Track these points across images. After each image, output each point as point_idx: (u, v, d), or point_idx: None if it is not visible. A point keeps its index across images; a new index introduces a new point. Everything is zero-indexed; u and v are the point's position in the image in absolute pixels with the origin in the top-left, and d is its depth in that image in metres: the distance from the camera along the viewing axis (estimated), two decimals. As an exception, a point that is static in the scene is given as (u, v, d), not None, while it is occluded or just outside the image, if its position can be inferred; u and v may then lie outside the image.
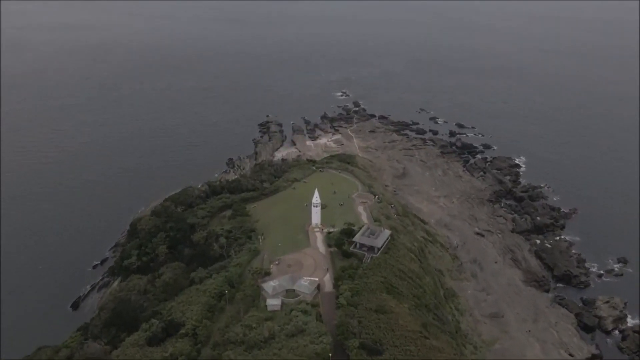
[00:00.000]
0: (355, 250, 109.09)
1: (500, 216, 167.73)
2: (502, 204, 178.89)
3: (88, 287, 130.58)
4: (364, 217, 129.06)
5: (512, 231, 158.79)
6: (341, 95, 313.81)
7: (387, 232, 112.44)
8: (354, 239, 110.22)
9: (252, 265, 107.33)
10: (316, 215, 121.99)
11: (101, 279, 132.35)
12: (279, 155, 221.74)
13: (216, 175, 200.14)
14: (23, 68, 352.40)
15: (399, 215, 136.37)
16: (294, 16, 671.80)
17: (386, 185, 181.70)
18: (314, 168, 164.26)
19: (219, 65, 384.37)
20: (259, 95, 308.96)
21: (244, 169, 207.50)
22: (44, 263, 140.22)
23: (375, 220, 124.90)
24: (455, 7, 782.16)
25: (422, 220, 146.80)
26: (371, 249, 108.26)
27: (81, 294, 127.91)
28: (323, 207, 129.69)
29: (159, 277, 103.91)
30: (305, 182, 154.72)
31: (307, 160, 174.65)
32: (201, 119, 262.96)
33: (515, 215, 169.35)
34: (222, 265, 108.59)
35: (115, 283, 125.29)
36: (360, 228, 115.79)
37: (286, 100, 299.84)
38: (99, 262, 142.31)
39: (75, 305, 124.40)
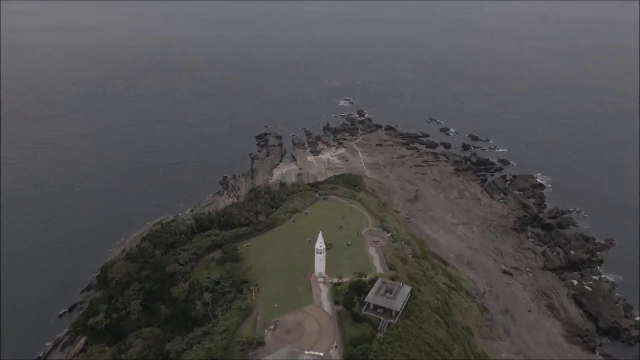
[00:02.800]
0: (368, 313, 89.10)
1: (529, 249, 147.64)
2: (529, 233, 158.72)
3: (50, 345, 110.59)
4: (377, 262, 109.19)
5: (544, 268, 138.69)
6: (344, 103, 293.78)
7: (407, 290, 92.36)
8: (366, 299, 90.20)
9: (242, 332, 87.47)
10: (320, 264, 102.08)
11: (67, 333, 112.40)
12: (277, 172, 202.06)
13: (209, 197, 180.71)
14: (10, 72, 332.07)
15: (417, 257, 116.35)
16: (295, 17, 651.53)
17: (397, 211, 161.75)
18: (316, 195, 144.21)
19: (216, 69, 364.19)
20: (257, 103, 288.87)
21: (238, 189, 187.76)
22: (2, 309, 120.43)
23: (390, 268, 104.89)
24: (459, 7, 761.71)
25: (442, 261, 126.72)
26: (388, 311, 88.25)
27: (40, 354, 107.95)
28: (328, 247, 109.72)
29: (127, 350, 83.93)
30: (306, 213, 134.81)
31: (309, 185, 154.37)
32: (194, 130, 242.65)
33: (545, 247, 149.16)
34: (205, 331, 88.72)
35: (82, 341, 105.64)
36: (373, 281, 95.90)
37: (286, 108, 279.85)
38: (66, 310, 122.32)
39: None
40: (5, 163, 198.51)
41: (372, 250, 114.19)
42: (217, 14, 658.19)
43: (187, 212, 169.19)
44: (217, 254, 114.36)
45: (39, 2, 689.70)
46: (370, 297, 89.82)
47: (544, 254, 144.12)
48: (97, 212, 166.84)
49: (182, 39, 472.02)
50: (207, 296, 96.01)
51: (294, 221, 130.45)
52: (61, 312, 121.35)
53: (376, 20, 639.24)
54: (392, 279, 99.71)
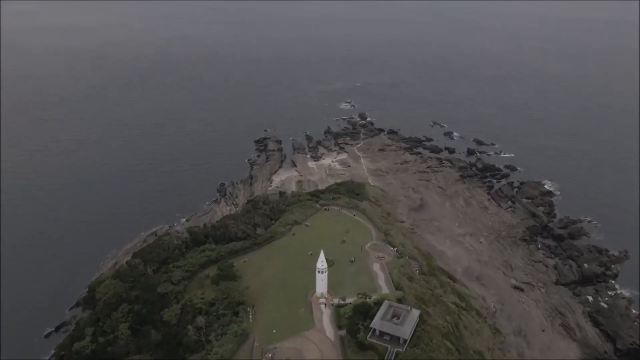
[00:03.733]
0: (374, 340, 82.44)
1: (539, 262, 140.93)
2: (539, 245, 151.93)
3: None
4: (382, 281, 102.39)
5: (556, 283, 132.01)
6: (346, 106, 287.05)
7: (415, 314, 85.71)
8: (372, 324, 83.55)
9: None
10: (321, 283, 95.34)
11: (52, 356, 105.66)
12: (277, 179, 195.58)
13: (206, 205, 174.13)
14: (6, 73, 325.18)
15: (424, 275, 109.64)
16: (295, 17, 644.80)
17: (402, 221, 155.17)
18: (317, 206, 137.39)
19: (215, 71, 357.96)
20: (257, 106, 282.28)
21: (236, 197, 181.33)
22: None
23: (396, 288, 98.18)
24: (459, 7, 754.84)
25: (450, 277, 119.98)
26: (395, 338, 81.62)
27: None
28: (330, 264, 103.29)
29: (113, 381, 77.39)
30: (307, 225, 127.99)
31: (310, 195, 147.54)
32: (191, 135, 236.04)
33: (557, 260, 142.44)
34: (198, 358, 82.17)
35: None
36: (379, 303, 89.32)
37: (286, 111, 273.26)
38: (53, 329, 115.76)
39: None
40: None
41: (376, 267, 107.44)
42: (216, 14, 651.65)
43: (183, 221, 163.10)
44: (213, 270, 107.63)
45: (39, 2, 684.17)
46: (377, 323, 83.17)
47: (555, 267, 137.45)
48: (89, 222, 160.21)
49: (181, 40, 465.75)
50: (201, 320, 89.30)
51: (293, 234, 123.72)
52: (47, 332, 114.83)
53: (376, 20, 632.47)
54: (399, 301, 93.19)
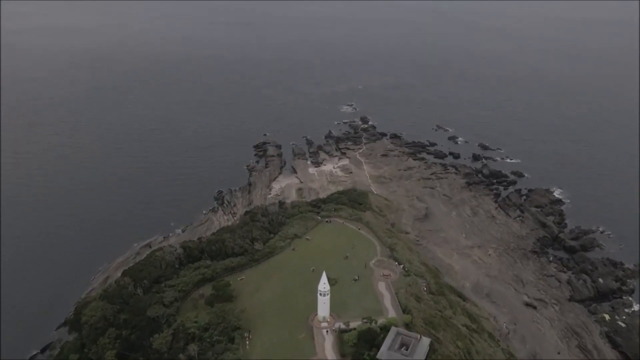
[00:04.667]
0: (381, 372, 75.98)
1: (552, 276, 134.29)
2: (550, 257, 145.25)
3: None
4: (388, 302, 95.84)
5: (570, 299, 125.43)
6: (347, 109, 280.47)
7: (426, 343, 79.17)
8: (379, 355, 77.02)
9: (233, 396, 74.39)
10: (323, 307, 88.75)
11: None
12: (276, 186, 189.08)
13: (203, 214, 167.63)
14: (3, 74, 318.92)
15: (432, 294, 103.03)
16: (295, 17, 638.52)
17: (406, 232, 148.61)
18: (318, 218, 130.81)
19: (214, 73, 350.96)
20: (256, 109, 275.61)
21: (234, 205, 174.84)
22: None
23: (404, 310, 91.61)
24: (463, 8, 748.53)
25: (460, 295, 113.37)
26: (404, 370, 75.10)
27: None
28: (332, 283, 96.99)
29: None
30: (308, 239, 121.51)
31: (310, 205, 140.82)
32: (189, 140, 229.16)
33: (570, 274, 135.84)
34: (189, 393, 75.73)
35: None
36: (386, 329, 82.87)
37: (286, 115, 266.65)
38: (38, 351, 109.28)
39: None
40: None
41: (382, 287, 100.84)
42: (216, 14, 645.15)
43: (178, 232, 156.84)
44: (208, 289, 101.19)
45: (38, 3, 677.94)
46: (384, 354, 76.61)
47: (569, 282, 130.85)
48: (80, 233, 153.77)
49: (180, 41, 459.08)
50: (193, 348, 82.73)
51: (293, 249, 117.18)
52: (32, 354, 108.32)
53: (377, 20, 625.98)
54: (407, 326, 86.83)
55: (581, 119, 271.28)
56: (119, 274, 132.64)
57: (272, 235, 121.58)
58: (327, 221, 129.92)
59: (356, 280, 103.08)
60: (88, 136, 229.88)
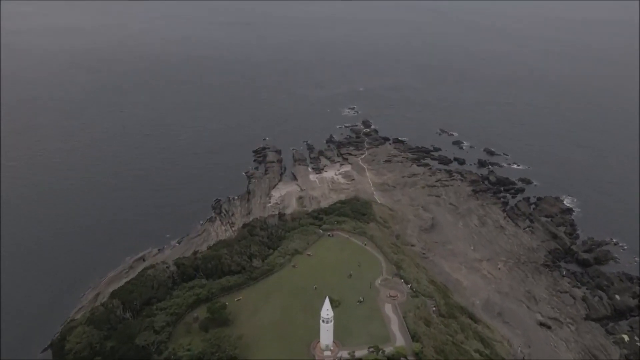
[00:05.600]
0: (390, 411, 69.42)
1: (566, 292, 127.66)
2: (563, 271, 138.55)
3: None
4: (396, 327, 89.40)
5: (586, 318, 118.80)
6: (349, 112, 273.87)
7: (439, 378, 72.57)
8: (387, 393, 70.49)
9: None
10: (327, 334, 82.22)
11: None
12: (276, 194, 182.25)
13: (200, 224, 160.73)
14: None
15: (443, 316, 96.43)
16: (295, 17, 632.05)
17: (412, 245, 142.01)
18: (320, 232, 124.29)
19: (213, 74, 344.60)
20: (256, 112, 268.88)
21: (232, 215, 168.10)
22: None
23: (413, 337, 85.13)
24: (464, 8, 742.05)
25: (471, 316, 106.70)
26: (416, 410, 68.53)
27: None
28: (336, 305, 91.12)
29: None
30: (309, 255, 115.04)
31: (312, 217, 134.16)
32: (186, 145, 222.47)
33: (585, 290, 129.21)
34: None
35: None
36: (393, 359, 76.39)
37: (286, 118, 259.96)
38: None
39: None
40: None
41: (389, 309, 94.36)
42: (216, 15, 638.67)
43: (174, 244, 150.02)
44: (202, 311, 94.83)
45: (38, 3, 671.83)
46: (393, 391, 70.13)
47: (584, 299, 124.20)
48: (70, 244, 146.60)
49: (180, 42, 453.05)
50: (185, 381, 76.26)
51: (294, 266, 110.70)
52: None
53: (378, 20, 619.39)
54: (417, 355, 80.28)
55: (587, 123, 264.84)
56: (110, 289, 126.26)
57: (271, 250, 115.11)
58: (329, 235, 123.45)
59: (361, 301, 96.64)
60: (83, 141, 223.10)
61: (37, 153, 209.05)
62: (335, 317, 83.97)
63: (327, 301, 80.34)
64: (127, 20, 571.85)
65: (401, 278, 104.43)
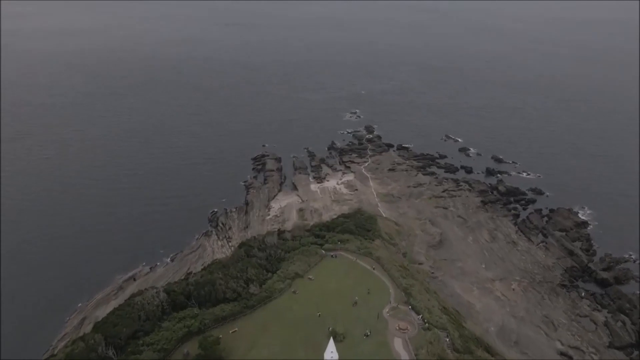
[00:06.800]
0: None
1: (586, 316, 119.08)
2: (582, 292, 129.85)
3: None
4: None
5: (609, 346, 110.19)
6: (351, 117, 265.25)
7: None
8: None
9: None
10: (331, 378, 73.81)
11: None
12: (275, 206, 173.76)
13: (195, 239, 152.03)
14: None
15: (458, 351, 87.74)
16: (295, 17, 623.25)
17: (420, 263, 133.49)
18: (322, 252, 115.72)
19: (212, 77, 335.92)
20: (255, 117, 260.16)
21: (230, 228, 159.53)
22: None
23: (426, 380, 76.57)
24: (466, 8, 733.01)
25: (487, 349, 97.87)
26: None
27: None
28: (340, 339, 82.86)
29: None
30: (310, 279, 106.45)
31: (314, 235, 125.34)
32: (182, 153, 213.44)
33: (606, 313, 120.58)
34: None
35: None
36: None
37: (286, 123, 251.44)
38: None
39: None
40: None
41: (398, 344, 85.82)
42: (216, 15, 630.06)
43: (167, 261, 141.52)
44: (194, 347, 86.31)
45: (37, 3, 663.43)
46: None
47: (606, 325, 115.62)
48: (56, 261, 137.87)
49: (179, 42, 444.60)
50: None
51: (294, 292, 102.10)
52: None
53: (379, 21, 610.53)
54: (432, 402, 71.70)
55: (598, 129, 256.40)
56: (97, 313, 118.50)
57: (269, 274, 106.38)
58: (332, 256, 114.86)
59: (368, 335, 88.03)
60: (73, 149, 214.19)
61: (25, 160, 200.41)
62: (339, 353, 75.87)
63: (331, 342, 72.42)
64: (127, 21, 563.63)
65: (412, 307, 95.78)
